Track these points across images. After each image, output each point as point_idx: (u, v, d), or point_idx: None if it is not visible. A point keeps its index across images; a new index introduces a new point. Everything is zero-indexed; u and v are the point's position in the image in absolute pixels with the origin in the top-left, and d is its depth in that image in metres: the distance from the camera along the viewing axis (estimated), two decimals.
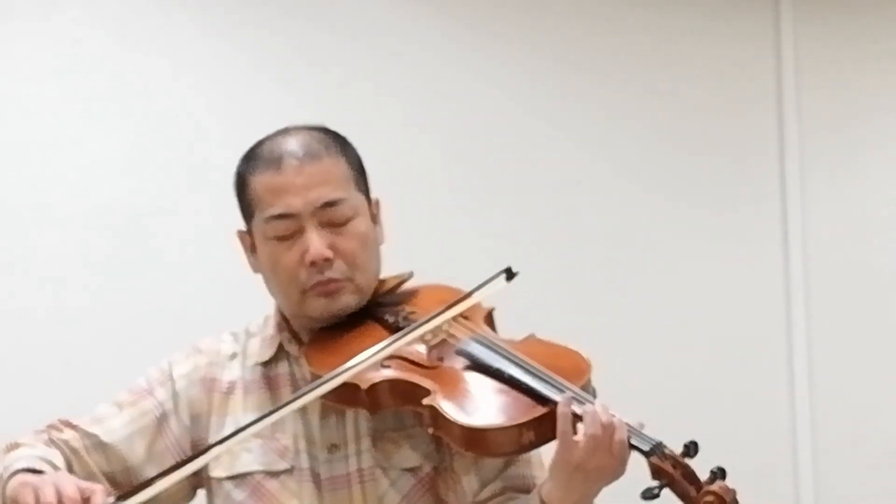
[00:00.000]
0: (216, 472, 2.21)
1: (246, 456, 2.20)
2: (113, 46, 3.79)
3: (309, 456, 2.19)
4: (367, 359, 2.10)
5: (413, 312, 2.23)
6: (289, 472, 2.18)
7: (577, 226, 4.22)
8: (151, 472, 2.16)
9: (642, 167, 4.31)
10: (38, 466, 2.10)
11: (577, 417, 2.03)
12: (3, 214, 3.67)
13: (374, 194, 2.27)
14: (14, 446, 2.18)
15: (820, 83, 4.41)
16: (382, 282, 2.27)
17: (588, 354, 2.16)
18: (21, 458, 2.14)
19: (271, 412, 2.09)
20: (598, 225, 4.24)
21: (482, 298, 2.21)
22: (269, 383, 2.25)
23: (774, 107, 4.40)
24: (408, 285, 2.30)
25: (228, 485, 2.20)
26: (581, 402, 2.04)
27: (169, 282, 3.75)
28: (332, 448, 2.19)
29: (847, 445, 4.32)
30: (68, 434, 2.22)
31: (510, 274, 2.20)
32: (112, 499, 2.02)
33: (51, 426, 2.23)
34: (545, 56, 4.22)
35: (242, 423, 2.18)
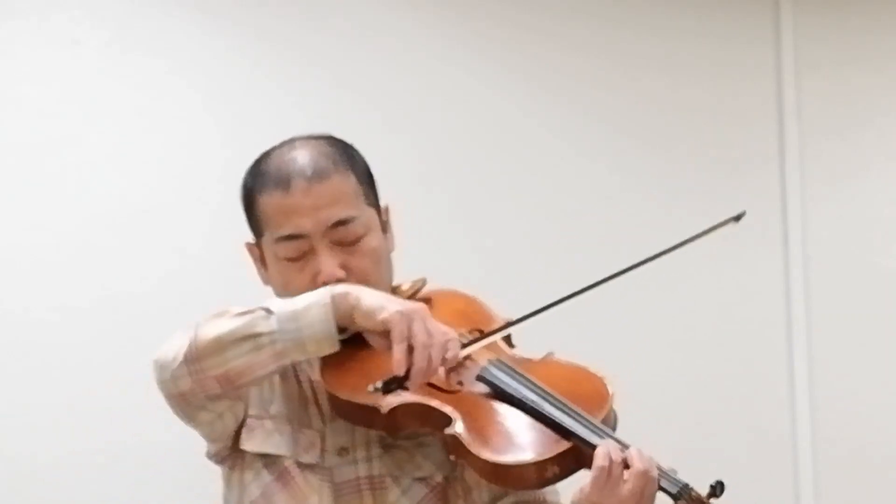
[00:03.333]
0: (248, 444, 2.17)
1: (278, 437, 2.16)
2: (112, 46, 3.79)
3: (327, 456, 2.17)
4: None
5: None
6: (312, 467, 2.15)
7: (575, 228, 4.21)
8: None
9: (641, 168, 4.30)
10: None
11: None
12: (2, 214, 3.66)
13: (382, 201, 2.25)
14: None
15: (820, 84, 4.40)
16: (395, 288, 2.24)
17: (610, 381, 2.14)
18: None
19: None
20: (596, 226, 4.23)
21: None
22: (295, 376, 2.22)
23: (774, 108, 4.40)
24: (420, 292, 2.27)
25: (259, 463, 2.17)
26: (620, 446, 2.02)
27: (168, 282, 3.74)
28: (342, 451, 2.17)
29: (847, 446, 4.31)
30: None
31: (739, 217, 2.26)
32: (462, 342, 2.08)
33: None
34: (543, 57, 4.21)
35: (273, 411, 2.17)
